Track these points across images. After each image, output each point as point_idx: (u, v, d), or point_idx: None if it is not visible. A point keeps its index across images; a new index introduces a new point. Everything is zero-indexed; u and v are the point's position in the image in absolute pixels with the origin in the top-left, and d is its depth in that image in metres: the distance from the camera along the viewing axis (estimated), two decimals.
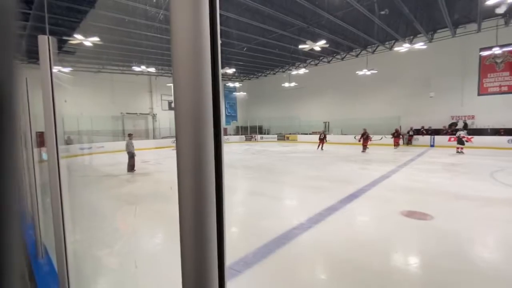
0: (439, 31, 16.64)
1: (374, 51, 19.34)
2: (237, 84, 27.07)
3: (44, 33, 1.29)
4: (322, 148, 16.66)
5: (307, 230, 4.18)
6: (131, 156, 9.74)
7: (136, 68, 18.85)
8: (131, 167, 9.74)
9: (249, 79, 30.12)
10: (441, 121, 17.84)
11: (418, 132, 18.43)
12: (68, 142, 15.92)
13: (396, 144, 16.88)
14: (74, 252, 1.47)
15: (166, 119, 24.70)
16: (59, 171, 1.23)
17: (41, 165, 2.82)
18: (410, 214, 4.77)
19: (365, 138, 15.03)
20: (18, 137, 0.19)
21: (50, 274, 2.33)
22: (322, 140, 16.77)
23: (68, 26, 12.38)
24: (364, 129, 15.37)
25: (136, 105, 23.57)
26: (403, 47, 14.76)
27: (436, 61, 17.90)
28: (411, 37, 16.93)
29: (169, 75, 24.10)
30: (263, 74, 28.42)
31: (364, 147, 15.11)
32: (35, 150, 2.89)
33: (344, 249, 3.56)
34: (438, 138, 17.20)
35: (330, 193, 6.35)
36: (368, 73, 18.02)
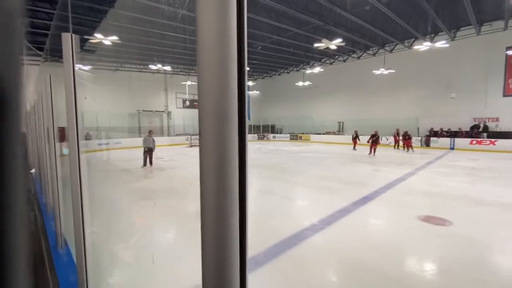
0: (462, 28, 15.92)
1: (392, 49, 18.79)
2: (250, 83, 27.08)
3: (68, 32, 1.33)
4: (355, 148, 16.15)
5: (319, 232, 4.13)
6: (150, 151, 10.33)
7: (153, 67, 19.28)
8: (149, 162, 10.38)
9: (262, 78, 30.07)
10: (463, 123, 17.09)
11: (437, 134, 17.74)
12: (87, 137, 16.53)
13: (408, 147, 15.77)
14: (92, 244, 1.52)
15: (180, 116, 25.13)
16: (79, 165, 1.27)
17: (62, 159, 2.93)
18: (428, 219, 4.60)
19: (374, 140, 14.01)
20: (22, 135, 0.18)
21: (69, 264, 2.42)
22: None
23: (89, 26, 12.82)
24: (375, 131, 14.69)
25: (152, 102, 24.11)
26: (423, 46, 14.23)
27: (459, 60, 17.12)
28: (432, 35, 16.28)
29: (184, 73, 24.48)
30: (276, 73, 28.29)
31: (372, 149, 14.01)
32: (57, 144, 3.01)
33: (356, 252, 3.49)
34: (458, 141, 16.47)
35: (343, 194, 6.23)
36: (386, 72, 17.53)
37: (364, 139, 19.64)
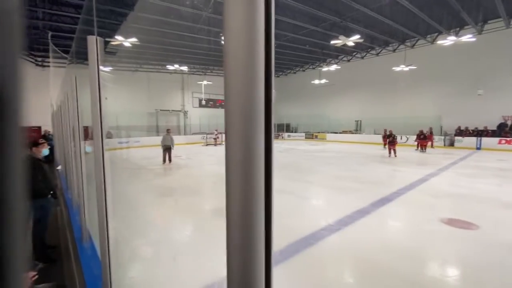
0: (490, 21, 14.99)
1: (414, 45, 18.03)
2: None
3: (93, 35, 1.39)
4: (391, 152, 13.15)
5: (336, 232, 4.06)
6: (169, 149, 10.91)
7: (170, 67, 19.72)
8: (168, 159, 10.98)
9: (277, 76, 29.92)
10: (489, 122, 16.11)
11: (462, 133, 16.84)
12: (109, 136, 17.19)
13: (422, 147, 14.59)
14: (114, 238, 1.59)
15: (196, 116, 25.55)
16: (103, 162, 1.33)
17: (85, 157, 3.07)
18: (452, 222, 4.40)
19: (391, 141, 12.86)
20: (22, 136, 0.18)
21: (93, 257, 2.54)
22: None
23: (110, 28, 13.32)
24: (390, 131, 13.63)
25: (169, 102, 24.68)
26: (447, 40, 13.55)
27: (486, 56, 16.14)
28: (457, 29, 15.45)
29: (200, 73, 24.85)
30: (292, 71, 28.03)
31: (392, 151, 12.82)
32: (76, 144, 3.15)
33: (375, 254, 3.39)
34: (486, 140, 15.55)
35: (361, 195, 6.09)
36: (406, 69, 16.86)
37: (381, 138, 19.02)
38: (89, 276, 2.21)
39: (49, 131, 14.22)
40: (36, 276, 2.08)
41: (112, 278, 1.46)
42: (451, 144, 16.69)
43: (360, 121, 23.21)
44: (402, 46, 18.29)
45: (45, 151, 3.68)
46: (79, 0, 11.30)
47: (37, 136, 16.47)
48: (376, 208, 5.19)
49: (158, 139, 12.12)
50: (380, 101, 21.80)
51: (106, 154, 1.52)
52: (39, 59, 17.76)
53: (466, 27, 15.12)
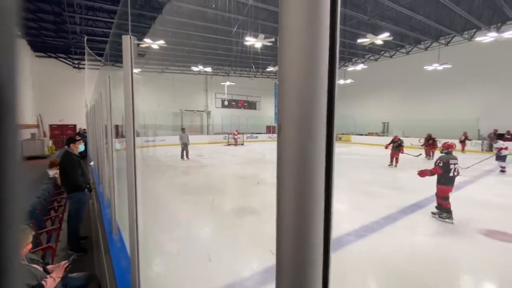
0: None
1: (449, 42, 16.89)
2: None
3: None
4: (431, 156, 12.32)
5: (361, 239, 3.89)
6: (186, 146, 12.14)
7: (195, 68, 20.23)
8: (186, 155, 12.16)
9: None
10: None
11: (502, 136, 15.46)
12: (136, 135, 18.03)
13: (428, 154, 12.41)
14: (143, 233, 1.63)
15: (219, 116, 25.98)
16: (135, 160, 1.36)
17: (115, 154, 3.21)
18: (490, 234, 4.04)
19: (431, 143, 12.30)
20: (19, 136, 0.18)
21: (121, 249, 2.64)
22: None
23: (140, 31, 13.96)
24: (429, 134, 12.78)
25: (193, 102, 25.33)
26: (487, 37, 12.51)
27: None
28: (499, 24, 14.23)
29: (224, 74, 25.24)
30: None
31: (430, 153, 12.30)
32: (107, 141, 3.31)
33: (403, 264, 3.20)
34: None
35: (389, 200, 5.79)
36: (440, 68, 15.84)
37: (412, 141, 18.04)
38: (118, 267, 2.30)
39: (84, 129, 15.19)
40: (69, 266, 2.21)
41: (140, 272, 1.50)
42: (490, 149, 15.39)
43: (388, 123, 22.22)
44: (435, 44, 17.21)
45: (81, 147, 3.93)
46: (111, 5, 11.96)
47: (73, 134, 17.62)
48: (405, 215, 4.91)
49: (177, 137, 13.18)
50: (409, 102, 20.71)
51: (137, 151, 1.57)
52: (76, 61, 19.06)
53: (508, 22, 13.88)
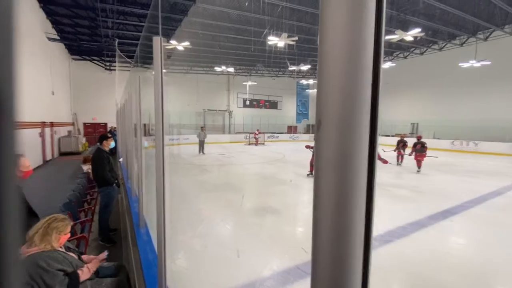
0: None
1: (488, 37, 15.64)
2: (311, 81, 26.33)
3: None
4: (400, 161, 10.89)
5: (387, 244, 3.73)
6: (202, 142, 13.95)
7: (218, 68, 20.59)
8: (202, 150, 13.87)
9: None
10: None
11: None
12: None
13: (418, 162, 9.47)
14: (169, 228, 1.69)
15: (240, 115, 26.22)
16: (163, 157, 1.42)
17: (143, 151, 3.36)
18: None
19: (401, 147, 10.67)
20: (17, 137, 0.18)
21: (148, 243, 2.76)
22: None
23: (166, 34, 14.48)
24: (401, 136, 11.25)
25: (216, 102, 25.79)
26: None
27: None
28: None
29: (245, 74, 25.42)
30: None
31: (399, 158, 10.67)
32: (136, 139, 3.46)
33: (431, 272, 3.02)
34: None
35: (417, 205, 5.50)
36: (478, 65, 14.70)
37: (443, 143, 16.98)
38: (145, 259, 2.40)
39: (114, 127, 16.07)
40: (104, 260, 2.37)
41: (166, 265, 1.56)
42: None
43: (417, 123, 21.07)
44: (472, 39, 16.01)
45: (112, 144, 4.17)
46: (140, 9, 12.52)
47: (104, 131, 18.71)
48: (434, 222, 4.63)
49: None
50: (441, 102, 19.47)
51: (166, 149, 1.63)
52: (108, 63, 20.21)
53: None
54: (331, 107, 0.28)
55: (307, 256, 3.30)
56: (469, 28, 14.83)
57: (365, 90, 0.27)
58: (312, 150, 8.01)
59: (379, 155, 6.80)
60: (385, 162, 8.55)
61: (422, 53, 19.56)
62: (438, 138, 18.40)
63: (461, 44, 16.94)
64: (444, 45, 17.82)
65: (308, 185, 7.49)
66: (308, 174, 8.34)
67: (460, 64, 15.62)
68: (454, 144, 16.76)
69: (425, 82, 20.40)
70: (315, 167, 0.31)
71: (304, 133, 27.93)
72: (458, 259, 3.41)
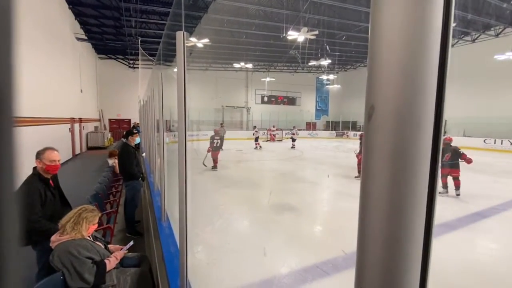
0: None
1: None
2: (331, 77, 25.66)
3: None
4: None
5: None
6: (221, 138, 13.71)
7: (236, 65, 20.64)
8: (220, 146, 14.45)
9: (345, 70, 28.10)
10: None
11: None
12: None
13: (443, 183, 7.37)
14: (191, 222, 1.72)
15: (258, 112, 26.18)
16: (185, 153, 1.43)
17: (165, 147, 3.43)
18: None
19: None
20: (16, 138, 0.18)
21: (170, 236, 2.83)
22: None
23: (186, 31, 14.70)
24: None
25: (234, 99, 25.93)
26: None
27: None
28: None
29: (264, 70, 25.28)
30: (362, 64, 25.85)
31: None
32: (158, 135, 3.54)
33: (460, 279, 2.84)
34: None
35: (445, 207, 5.21)
36: None
37: (475, 141, 15.97)
38: (167, 252, 2.47)
39: (137, 123, 16.66)
40: (128, 252, 2.47)
41: (188, 259, 1.58)
42: None
43: (445, 120, 19.79)
44: (509, 30, 14.80)
45: (137, 139, 4.32)
46: (162, 7, 12.80)
47: (128, 127, 19.48)
48: (464, 225, 4.36)
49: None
50: (472, 97, 18.21)
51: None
52: (131, 61, 20.94)
53: None
54: (389, 89, 0.24)
55: (326, 255, 3.24)
56: (506, 17, 13.70)
57: (431, 71, 0.23)
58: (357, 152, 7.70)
59: (464, 155, 6.09)
60: (469, 161, 6.21)
61: (452, 45, 18.26)
62: (469, 136, 17.28)
63: (497, 35, 15.71)
64: (478, 36, 16.62)
65: (329, 183, 7.34)
66: (356, 176, 7.56)
67: (495, 57, 14.49)
68: (487, 143, 15.70)
69: (453, 75, 19.11)
70: (363, 163, 0.27)
71: (323, 130, 27.38)
72: (487, 265, 3.19)
